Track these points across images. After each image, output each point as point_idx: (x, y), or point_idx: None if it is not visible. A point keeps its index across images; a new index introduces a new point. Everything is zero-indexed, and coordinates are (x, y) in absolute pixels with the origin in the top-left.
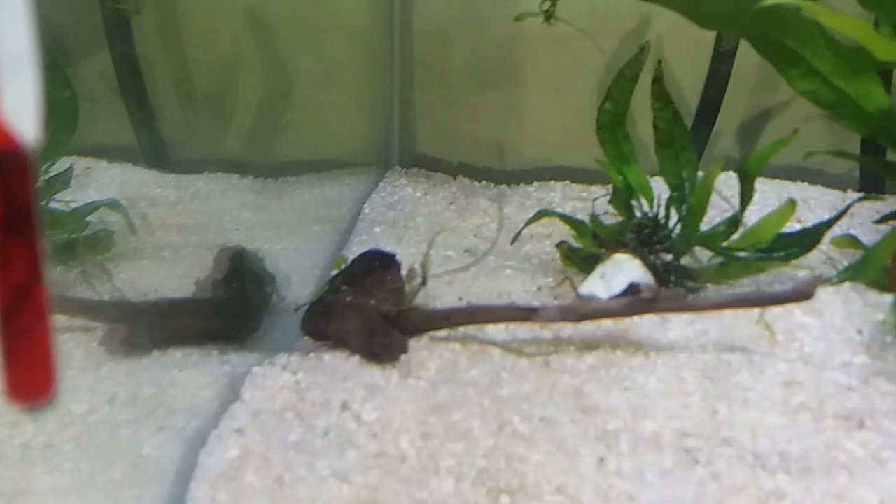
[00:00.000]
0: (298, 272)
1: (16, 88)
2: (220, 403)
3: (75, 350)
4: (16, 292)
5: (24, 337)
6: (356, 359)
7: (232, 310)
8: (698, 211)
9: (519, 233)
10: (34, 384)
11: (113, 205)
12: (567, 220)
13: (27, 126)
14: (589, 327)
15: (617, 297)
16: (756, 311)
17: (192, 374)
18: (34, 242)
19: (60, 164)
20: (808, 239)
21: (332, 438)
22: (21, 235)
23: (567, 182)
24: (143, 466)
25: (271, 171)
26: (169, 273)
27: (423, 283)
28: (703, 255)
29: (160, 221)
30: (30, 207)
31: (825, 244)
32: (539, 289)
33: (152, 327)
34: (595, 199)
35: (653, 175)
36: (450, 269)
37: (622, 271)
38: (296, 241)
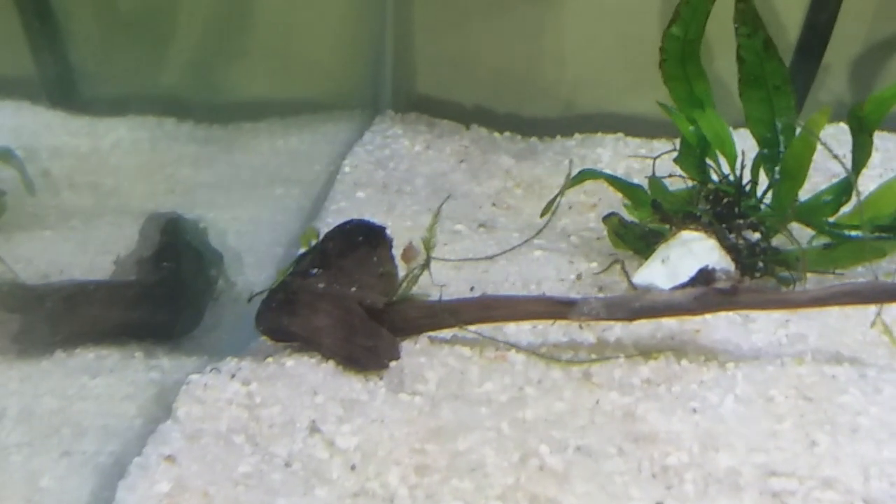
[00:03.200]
0: (254, 249)
1: None
2: (144, 422)
3: None
4: None
5: None
6: (330, 365)
7: (162, 298)
8: (796, 174)
9: (553, 201)
10: None
11: (4, 156)
12: (619, 184)
13: None
14: (645, 328)
15: (683, 286)
16: (872, 309)
17: (107, 381)
18: None
19: None
20: None
21: (297, 471)
22: None
23: (619, 134)
24: (39, 503)
25: (219, 115)
26: (79, 248)
27: (425, 266)
28: (802, 234)
29: (68, 179)
30: None
31: None
32: (579, 276)
33: (55, 319)
34: (657, 158)
35: (736, 127)
36: (459, 248)
37: (691, 254)
38: (251, 209)
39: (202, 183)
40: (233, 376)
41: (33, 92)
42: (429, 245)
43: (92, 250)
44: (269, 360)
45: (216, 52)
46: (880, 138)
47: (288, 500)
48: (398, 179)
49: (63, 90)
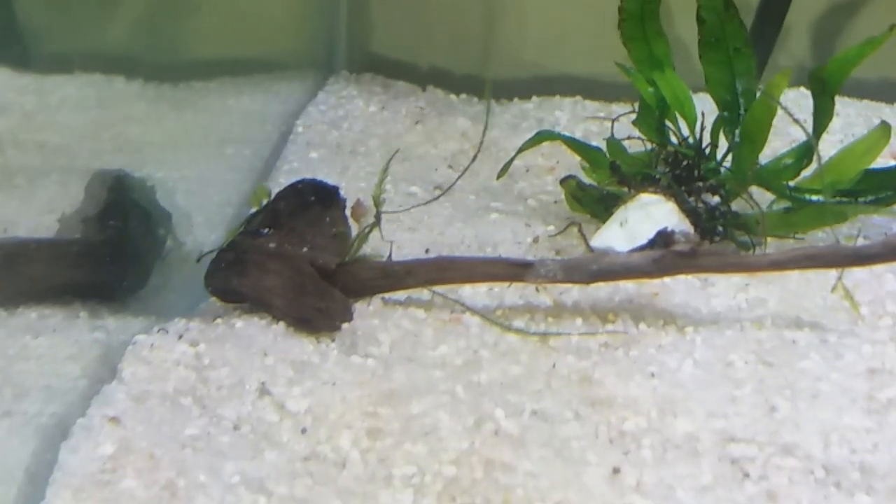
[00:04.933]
0: (204, 208)
1: None
2: (89, 382)
3: None
4: None
5: None
6: (280, 327)
7: (108, 256)
8: (756, 137)
9: (510, 163)
10: None
11: None
12: (576, 146)
13: None
14: (603, 291)
15: (642, 249)
16: (832, 273)
17: (50, 341)
18: None
19: None
20: None
21: (246, 434)
22: None
23: (577, 98)
24: None
25: (169, 74)
26: (23, 205)
27: (376, 224)
28: (762, 197)
29: (13, 137)
30: None
31: None
32: (536, 239)
33: None
34: (615, 119)
35: (696, 90)
36: (414, 209)
37: (650, 217)
38: (201, 168)
39: (151, 142)
40: (180, 337)
41: None
42: (378, 202)
43: (37, 208)
44: (218, 320)
45: (167, 8)
46: (841, 104)
47: (236, 463)
48: (352, 140)
49: (7, 46)
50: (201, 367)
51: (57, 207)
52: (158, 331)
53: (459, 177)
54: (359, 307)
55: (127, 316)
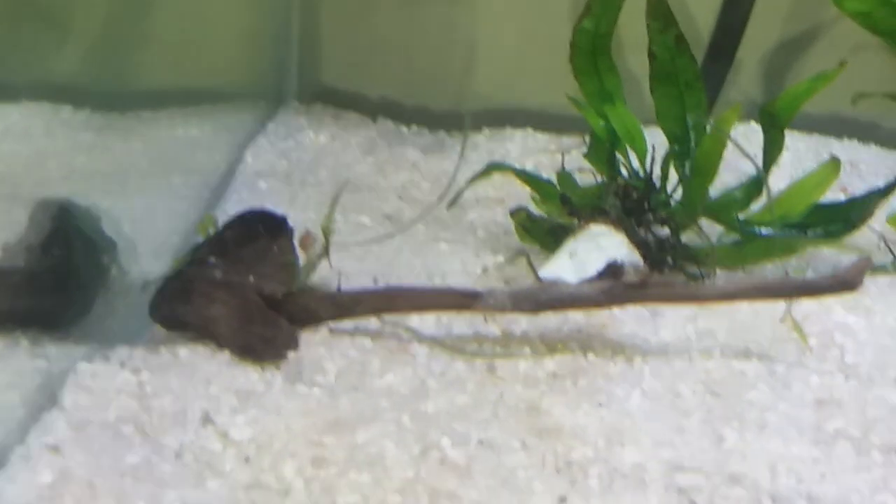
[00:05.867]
0: (150, 238)
1: None
2: (28, 410)
3: None
4: None
5: None
6: (225, 356)
7: (51, 285)
8: (706, 170)
9: (459, 194)
10: None
11: None
12: (526, 178)
13: None
14: (551, 321)
15: (591, 280)
16: (781, 305)
17: None
18: None
19: None
20: (856, 213)
21: (188, 462)
22: None
23: (528, 130)
24: None
25: (117, 103)
26: None
27: (324, 254)
28: (711, 230)
29: None
30: None
31: (879, 221)
32: (485, 270)
33: None
34: (566, 153)
35: (646, 124)
36: (363, 239)
37: (599, 248)
38: (148, 197)
39: (98, 171)
40: (123, 365)
41: None
42: (327, 231)
43: None
44: (162, 349)
45: (115, 38)
46: (791, 138)
47: (178, 491)
48: (302, 171)
49: None
50: (144, 395)
51: None
52: (100, 359)
53: (421, 218)
54: (305, 336)
55: (69, 344)
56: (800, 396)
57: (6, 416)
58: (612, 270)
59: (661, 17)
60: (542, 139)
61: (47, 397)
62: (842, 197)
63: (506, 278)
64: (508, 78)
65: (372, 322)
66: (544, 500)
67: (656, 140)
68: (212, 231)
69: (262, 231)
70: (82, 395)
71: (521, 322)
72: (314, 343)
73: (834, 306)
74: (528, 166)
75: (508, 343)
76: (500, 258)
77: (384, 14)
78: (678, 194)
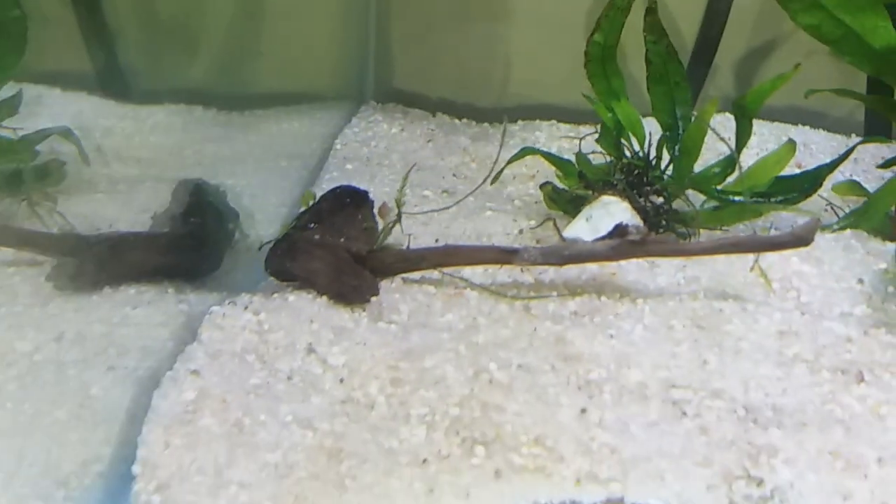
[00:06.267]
0: (263, 209)
1: None
2: (175, 344)
3: (21, 285)
4: None
5: None
6: (323, 300)
7: (190, 246)
8: (691, 151)
9: (500, 172)
10: None
11: (65, 134)
12: (552, 159)
13: None
14: (572, 271)
15: (603, 239)
16: (750, 257)
17: (145, 312)
18: None
19: (8, 90)
20: (808, 183)
21: (296, 383)
22: None
23: (553, 121)
24: (90, 408)
25: (237, 104)
26: (124, 207)
27: (397, 221)
28: (696, 198)
29: (116, 153)
30: None
31: (826, 190)
32: (521, 231)
33: (104, 262)
34: (582, 138)
35: (645, 115)
36: (426, 209)
37: (609, 214)
38: (261, 177)
39: (223, 157)
40: (246, 308)
41: (91, 85)
42: (399, 203)
43: (134, 209)
44: (275, 295)
45: (235, 53)
46: (757, 125)
47: (290, 406)
48: (378, 155)
49: (114, 84)
50: (262, 331)
51: (150, 208)
52: (229, 303)
53: (472, 192)
54: (384, 285)
55: (205, 292)
56: (766, 328)
57: (159, 347)
58: (620, 231)
59: (656, 32)
60: (564, 128)
61: (189, 333)
62: (797, 171)
63: (537, 238)
64: (538, 80)
65: (435, 273)
66: (569, 411)
67: (652, 128)
68: (311, 203)
69: (349, 203)
70: (216, 331)
71: (550, 272)
72: (391, 290)
73: (791, 257)
74: (554, 150)
75: (540, 289)
76: (532, 222)
77: (441, 29)
78: (670, 171)
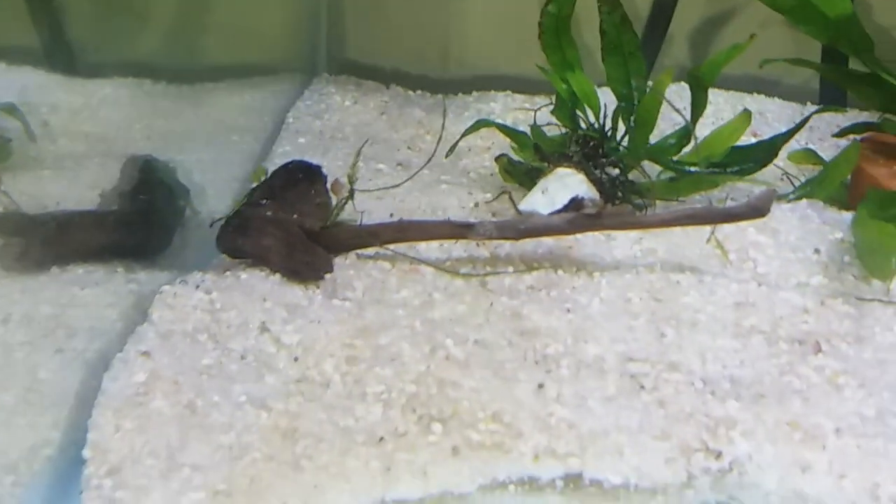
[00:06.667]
0: (215, 185)
1: None
2: (125, 324)
3: None
4: None
5: None
6: (276, 277)
7: (139, 224)
8: (647, 122)
9: (455, 144)
10: None
11: (9, 109)
12: (507, 131)
13: None
14: (529, 245)
15: (559, 212)
16: (707, 228)
17: (94, 292)
18: None
19: None
20: (764, 153)
21: (250, 362)
22: None
23: (508, 92)
24: (38, 391)
25: (187, 77)
26: (72, 184)
27: (350, 196)
28: (652, 169)
29: (63, 129)
30: None
31: (782, 159)
32: (476, 205)
33: (50, 241)
34: (538, 110)
35: (600, 86)
36: (381, 183)
37: (565, 186)
38: (212, 152)
39: (173, 132)
40: (197, 286)
41: (37, 60)
42: (352, 179)
43: (82, 186)
44: (227, 273)
45: (185, 26)
46: (713, 94)
47: (243, 385)
48: (331, 128)
49: (61, 58)
50: (214, 310)
51: (98, 185)
52: (180, 282)
53: (425, 165)
54: (338, 261)
55: (155, 271)
56: (723, 300)
57: (108, 328)
58: (576, 204)
59: (610, 2)
60: (518, 99)
61: (139, 313)
62: (753, 140)
63: (493, 211)
64: (492, 51)
65: (389, 249)
66: (527, 386)
67: (607, 99)
68: (263, 178)
69: (302, 178)
70: (166, 311)
71: (506, 246)
72: (345, 266)
73: (748, 228)
74: (509, 121)
75: (496, 263)
76: (488, 195)
77: (395, 3)
78: (626, 142)
